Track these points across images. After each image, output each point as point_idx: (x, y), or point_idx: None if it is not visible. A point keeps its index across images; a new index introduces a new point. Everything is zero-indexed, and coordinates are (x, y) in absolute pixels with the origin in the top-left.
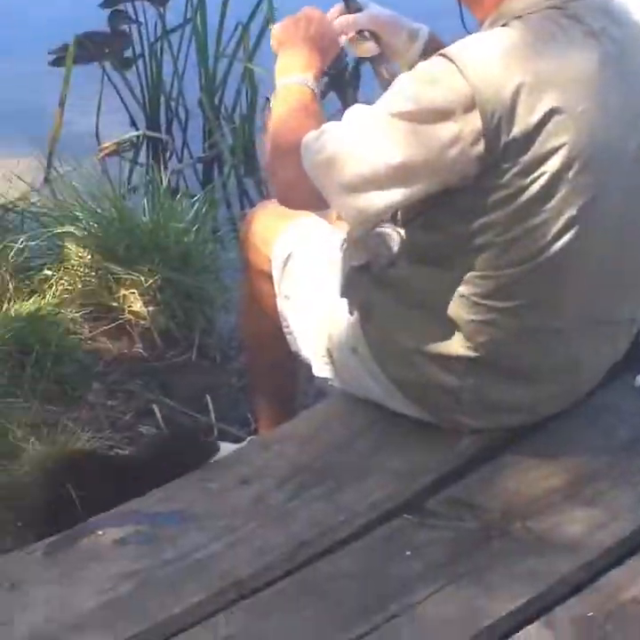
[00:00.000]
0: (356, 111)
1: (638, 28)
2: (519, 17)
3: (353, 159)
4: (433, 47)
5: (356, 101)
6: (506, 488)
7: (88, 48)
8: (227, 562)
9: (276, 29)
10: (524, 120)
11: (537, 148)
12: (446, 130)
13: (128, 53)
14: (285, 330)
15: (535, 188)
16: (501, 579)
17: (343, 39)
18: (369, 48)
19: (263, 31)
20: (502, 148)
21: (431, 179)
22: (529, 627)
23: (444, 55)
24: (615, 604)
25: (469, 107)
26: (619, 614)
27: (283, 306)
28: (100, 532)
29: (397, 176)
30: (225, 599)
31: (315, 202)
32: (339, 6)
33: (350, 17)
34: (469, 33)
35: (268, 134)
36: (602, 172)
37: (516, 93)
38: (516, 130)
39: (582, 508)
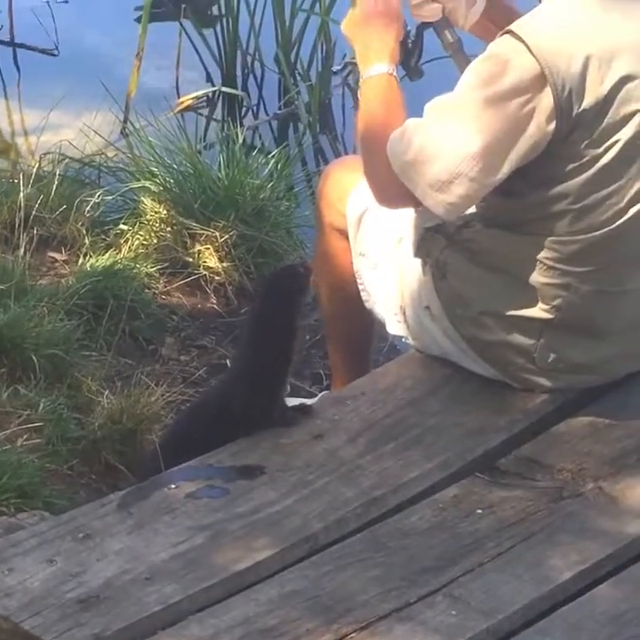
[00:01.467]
0: (434, 105)
1: None
2: None
3: (437, 156)
4: (493, 8)
5: (418, 69)
6: (578, 448)
7: (168, 5)
8: (298, 517)
9: (344, 23)
10: (594, 91)
11: (610, 117)
12: (521, 109)
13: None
14: (360, 287)
15: (609, 156)
16: (573, 539)
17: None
18: (433, 12)
19: None
20: (574, 119)
21: (513, 158)
22: (600, 586)
23: (512, 33)
24: None
25: (541, 83)
26: None
27: (358, 263)
28: (174, 486)
29: (482, 165)
30: (296, 554)
31: (409, 199)
32: None
33: None
34: None
35: (357, 134)
36: None
37: (585, 65)
38: (587, 101)
39: None
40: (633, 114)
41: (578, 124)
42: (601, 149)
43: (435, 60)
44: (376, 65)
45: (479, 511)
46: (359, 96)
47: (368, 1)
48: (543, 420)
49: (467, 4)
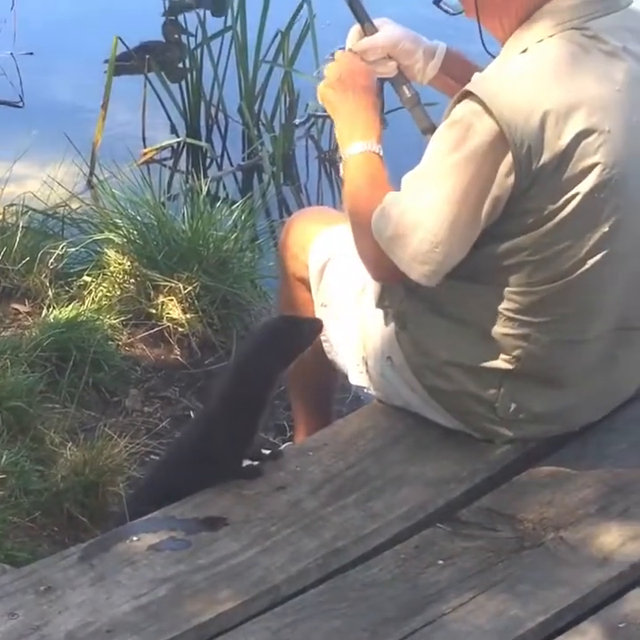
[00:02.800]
0: (407, 177)
1: None
2: (540, 40)
3: (415, 227)
4: (450, 63)
5: (383, 120)
6: (540, 499)
7: (134, 58)
8: (260, 568)
9: (323, 92)
10: (552, 146)
11: (569, 172)
12: (486, 169)
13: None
14: (322, 338)
15: (567, 210)
16: (534, 589)
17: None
18: (389, 69)
19: (303, 38)
20: (533, 174)
21: (484, 215)
22: (560, 637)
23: (471, 95)
24: None
25: (501, 142)
26: None
27: (320, 314)
28: (136, 538)
29: (459, 228)
30: (258, 606)
31: (401, 273)
32: (355, 29)
33: (369, 41)
34: (490, 54)
35: (345, 211)
36: (633, 188)
37: (543, 121)
38: (546, 156)
39: (616, 519)
40: (591, 167)
41: (537, 178)
42: (560, 203)
43: (397, 109)
44: (361, 142)
45: (440, 562)
46: (342, 174)
47: (349, 73)
48: (504, 470)
49: (424, 61)
